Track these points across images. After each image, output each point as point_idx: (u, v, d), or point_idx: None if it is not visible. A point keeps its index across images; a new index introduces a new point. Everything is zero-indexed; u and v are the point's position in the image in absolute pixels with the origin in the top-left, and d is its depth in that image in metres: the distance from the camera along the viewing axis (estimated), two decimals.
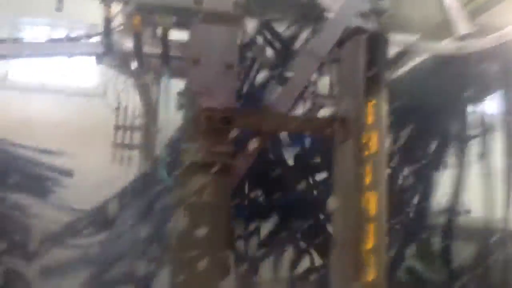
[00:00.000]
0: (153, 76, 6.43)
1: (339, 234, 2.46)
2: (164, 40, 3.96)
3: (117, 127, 6.77)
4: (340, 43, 2.58)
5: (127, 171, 6.42)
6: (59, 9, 4.91)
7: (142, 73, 5.20)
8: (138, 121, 6.78)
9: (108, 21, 5.31)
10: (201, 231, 2.38)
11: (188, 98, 2.52)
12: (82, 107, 7.04)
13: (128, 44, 5.41)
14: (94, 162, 6.49)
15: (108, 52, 5.88)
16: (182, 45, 4.91)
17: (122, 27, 5.40)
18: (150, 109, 6.61)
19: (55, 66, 7.08)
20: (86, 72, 7.38)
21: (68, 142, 6.53)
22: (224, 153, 2.45)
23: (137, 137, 6.71)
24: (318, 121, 2.53)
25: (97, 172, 6.31)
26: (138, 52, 3.64)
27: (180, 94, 2.52)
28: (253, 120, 2.49)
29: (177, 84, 5.99)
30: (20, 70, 7.20)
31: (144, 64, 5.75)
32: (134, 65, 5.55)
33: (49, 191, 4.47)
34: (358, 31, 2.53)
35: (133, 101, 6.67)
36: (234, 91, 2.51)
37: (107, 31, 5.66)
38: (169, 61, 4.32)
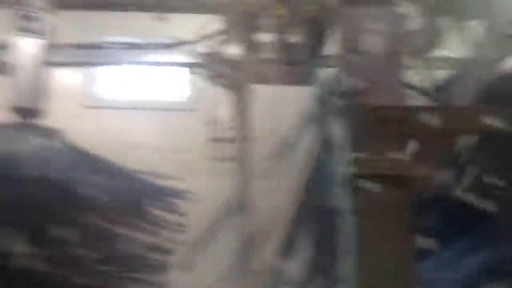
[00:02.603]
0: (248, 84, 6.19)
1: None
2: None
3: (211, 140, 6.59)
4: None
5: (225, 184, 6.21)
6: (160, 18, 4.76)
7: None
8: (231, 133, 6.56)
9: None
10: (380, 253, 1.95)
11: (349, 97, 2.09)
12: (174, 122, 6.87)
13: (228, 51, 5.18)
14: (192, 177, 6.28)
15: (205, 61, 5.69)
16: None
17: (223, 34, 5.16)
18: (244, 120, 6.36)
19: (145, 81, 7.00)
20: (176, 87, 7.21)
21: (163, 159, 6.37)
22: (401, 160, 2.00)
23: (232, 150, 6.48)
24: None
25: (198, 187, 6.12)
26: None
27: (343, 94, 2.09)
28: (438, 119, 2.02)
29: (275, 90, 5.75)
30: (112, 87, 7.16)
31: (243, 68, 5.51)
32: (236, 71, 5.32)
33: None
34: None
35: (226, 113, 6.47)
36: (403, 83, 2.06)
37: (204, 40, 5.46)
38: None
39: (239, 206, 6.13)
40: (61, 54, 4.92)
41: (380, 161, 1.98)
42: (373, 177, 1.99)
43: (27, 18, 3.73)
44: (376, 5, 2.05)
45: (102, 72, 7.04)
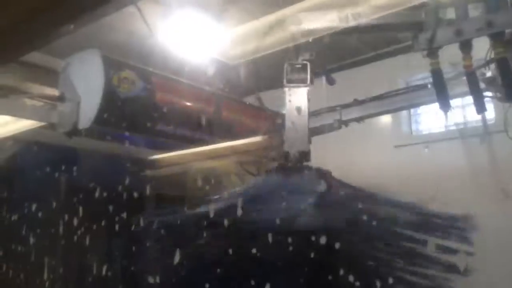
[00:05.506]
0: None
1: None
2: None
3: None
4: None
5: None
6: None
7: None
8: None
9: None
10: None
11: None
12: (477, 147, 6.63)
13: None
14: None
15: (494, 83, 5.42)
16: None
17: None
18: None
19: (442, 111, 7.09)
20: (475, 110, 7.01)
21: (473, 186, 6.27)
22: None
23: None
24: None
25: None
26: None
27: None
28: None
29: None
30: (417, 123, 7.61)
31: None
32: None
33: None
34: None
35: None
36: None
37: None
38: None
39: None
40: (358, 109, 5.59)
41: None
42: None
43: (295, 70, 4.15)
44: None
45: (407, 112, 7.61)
